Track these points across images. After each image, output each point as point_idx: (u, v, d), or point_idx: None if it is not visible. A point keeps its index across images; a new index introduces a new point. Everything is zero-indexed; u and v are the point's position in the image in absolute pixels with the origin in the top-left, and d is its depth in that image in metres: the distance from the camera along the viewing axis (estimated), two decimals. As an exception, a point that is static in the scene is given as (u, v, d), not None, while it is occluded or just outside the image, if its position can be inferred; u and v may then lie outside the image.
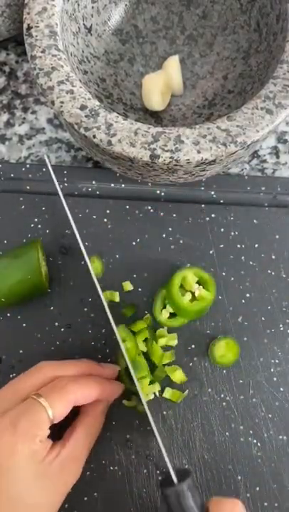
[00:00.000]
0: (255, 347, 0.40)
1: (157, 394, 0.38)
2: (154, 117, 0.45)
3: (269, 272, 0.42)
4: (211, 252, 0.42)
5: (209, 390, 0.39)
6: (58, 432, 0.33)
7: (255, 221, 0.43)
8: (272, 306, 0.41)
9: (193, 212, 0.43)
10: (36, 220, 0.43)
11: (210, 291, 0.38)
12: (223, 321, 0.40)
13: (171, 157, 0.34)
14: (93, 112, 0.35)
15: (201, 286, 0.38)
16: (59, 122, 0.47)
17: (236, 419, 0.38)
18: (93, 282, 0.37)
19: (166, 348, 0.39)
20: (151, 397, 0.38)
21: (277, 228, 0.43)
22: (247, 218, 0.43)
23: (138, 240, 0.42)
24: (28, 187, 0.44)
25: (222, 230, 0.43)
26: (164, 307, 0.40)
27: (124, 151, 0.34)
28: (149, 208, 0.43)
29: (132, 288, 0.41)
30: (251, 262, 0.42)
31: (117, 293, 0.40)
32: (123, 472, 0.37)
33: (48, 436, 0.31)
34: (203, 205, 0.43)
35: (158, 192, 0.44)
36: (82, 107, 0.35)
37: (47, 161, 0.39)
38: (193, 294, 0.38)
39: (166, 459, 0.31)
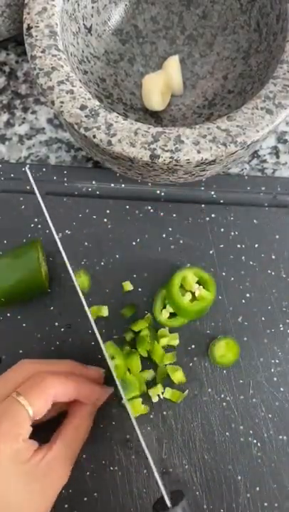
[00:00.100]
0: (255, 347, 0.40)
1: (161, 396, 0.38)
2: (154, 117, 0.45)
3: (269, 271, 0.42)
4: (211, 252, 0.42)
5: (209, 390, 0.39)
6: (46, 436, 0.33)
7: (255, 221, 0.43)
8: (272, 306, 0.41)
9: (193, 212, 0.43)
10: (36, 220, 0.43)
11: (210, 291, 0.38)
12: (223, 321, 0.40)
13: (171, 157, 0.34)
14: (93, 112, 0.35)
15: (201, 286, 0.38)
16: (59, 122, 0.47)
17: (236, 419, 0.38)
18: (80, 298, 0.35)
19: (168, 349, 0.39)
20: (156, 399, 0.38)
21: (277, 228, 0.43)
22: (247, 218, 0.43)
23: (138, 240, 0.42)
24: (28, 187, 0.44)
25: (222, 230, 0.43)
26: (164, 307, 0.40)
27: (124, 151, 0.34)
28: (149, 207, 0.43)
29: (132, 288, 0.41)
30: (251, 262, 0.42)
31: (106, 307, 0.40)
32: (123, 472, 0.37)
33: (34, 439, 0.31)
34: (203, 205, 0.43)
35: (158, 192, 0.44)
36: (82, 107, 0.35)
37: (28, 173, 0.38)
38: (193, 294, 0.38)
39: (160, 483, 0.31)
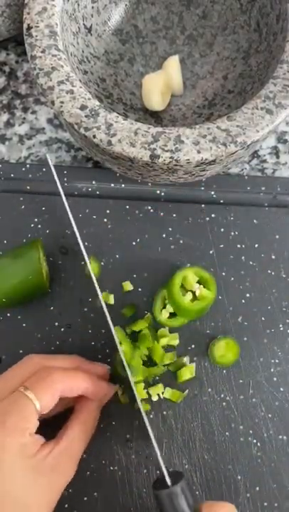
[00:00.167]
0: (255, 347, 0.40)
1: (161, 395, 0.38)
2: (154, 117, 0.45)
3: (269, 271, 0.42)
4: (211, 252, 0.42)
5: (209, 390, 0.39)
6: (52, 432, 0.33)
7: (255, 221, 0.43)
8: (272, 306, 0.41)
9: (193, 212, 0.43)
10: (36, 220, 0.43)
11: (211, 291, 0.38)
12: (223, 321, 0.40)
13: (171, 157, 0.34)
14: (93, 112, 0.35)
15: (201, 286, 0.38)
16: (59, 122, 0.47)
17: (236, 419, 0.38)
18: (92, 282, 0.36)
19: (168, 349, 0.39)
20: (156, 398, 0.38)
21: (277, 228, 0.43)
22: (247, 218, 0.43)
23: (138, 240, 0.42)
24: (28, 187, 0.44)
25: (222, 230, 0.43)
26: (164, 307, 0.40)
27: (124, 151, 0.34)
28: (149, 208, 0.43)
29: (132, 288, 0.41)
30: (251, 262, 0.42)
31: (112, 295, 0.41)
32: (123, 472, 0.37)
33: (41, 434, 0.31)
34: (203, 205, 0.43)
35: (158, 192, 0.44)
36: (82, 107, 0.35)
37: (49, 160, 0.39)
38: (194, 293, 0.38)
39: (160, 461, 0.31)
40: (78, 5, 0.42)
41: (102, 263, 0.42)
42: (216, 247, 0.42)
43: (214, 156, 0.34)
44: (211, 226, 0.43)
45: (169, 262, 0.42)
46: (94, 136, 0.34)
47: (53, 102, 0.35)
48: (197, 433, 0.38)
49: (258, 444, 0.38)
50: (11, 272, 0.38)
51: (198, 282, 0.39)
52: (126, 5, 0.46)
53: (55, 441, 0.32)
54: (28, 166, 0.44)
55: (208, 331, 0.40)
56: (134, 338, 0.39)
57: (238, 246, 0.42)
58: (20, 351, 0.39)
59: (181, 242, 0.42)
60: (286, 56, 0.37)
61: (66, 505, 0.36)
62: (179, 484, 0.29)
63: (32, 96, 0.48)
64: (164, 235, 0.42)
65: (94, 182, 0.44)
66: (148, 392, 0.38)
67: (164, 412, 0.38)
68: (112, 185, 0.44)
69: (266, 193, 0.44)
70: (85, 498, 0.36)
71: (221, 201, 0.44)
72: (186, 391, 0.38)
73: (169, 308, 0.39)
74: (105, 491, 0.37)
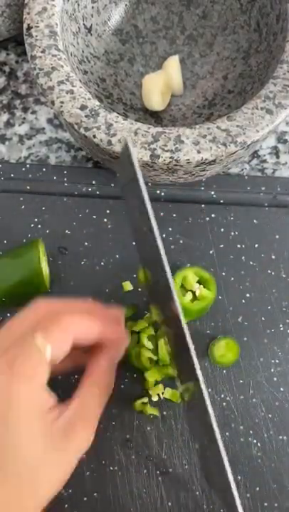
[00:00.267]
0: (255, 347, 0.40)
1: (161, 395, 0.38)
2: (154, 117, 0.45)
3: (269, 271, 0.42)
4: (211, 252, 0.42)
5: (209, 390, 0.39)
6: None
7: (255, 221, 0.43)
8: (272, 306, 0.41)
9: (193, 212, 0.43)
10: (36, 220, 0.43)
11: (211, 290, 0.38)
12: (223, 321, 0.40)
13: (171, 157, 0.34)
14: (93, 112, 0.35)
15: (201, 286, 0.38)
16: (59, 122, 0.47)
17: (236, 419, 0.38)
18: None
19: (166, 348, 0.39)
20: (156, 398, 0.38)
21: (277, 228, 0.43)
22: (247, 218, 0.43)
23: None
24: (28, 187, 0.44)
25: (222, 230, 0.43)
26: None
27: (124, 151, 0.34)
28: (149, 208, 0.43)
29: (132, 288, 0.41)
30: (251, 262, 0.42)
31: (129, 282, 0.41)
32: (123, 472, 0.37)
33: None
34: (203, 205, 0.43)
35: (158, 192, 0.44)
36: (82, 107, 0.35)
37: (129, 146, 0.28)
38: (194, 293, 0.38)
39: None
40: (78, 5, 0.42)
41: (102, 263, 0.42)
42: (216, 247, 0.42)
43: (214, 156, 0.34)
44: (211, 226, 0.43)
45: (169, 262, 0.42)
46: (94, 136, 0.34)
47: (53, 102, 0.35)
48: (197, 433, 0.38)
49: (258, 444, 0.38)
50: (11, 272, 0.38)
51: (198, 282, 0.39)
52: (126, 5, 0.46)
53: (65, 405, 0.28)
54: (28, 166, 0.44)
55: (208, 331, 0.40)
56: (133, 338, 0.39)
57: (238, 246, 0.42)
58: (20, 351, 0.39)
59: (181, 242, 0.42)
60: (286, 56, 0.37)
61: (66, 506, 0.36)
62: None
63: (32, 96, 0.48)
64: (164, 235, 0.42)
65: (94, 182, 0.44)
66: (148, 393, 0.38)
67: (164, 412, 0.38)
68: (112, 185, 0.44)
69: (266, 193, 0.44)
70: (85, 498, 0.36)
71: (221, 201, 0.44)
72: (186, 391, 0.38)
73: None
74: (105, 491, 0.37)
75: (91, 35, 0.45)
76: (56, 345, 0.27)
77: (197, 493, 0.36)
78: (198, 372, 0.27)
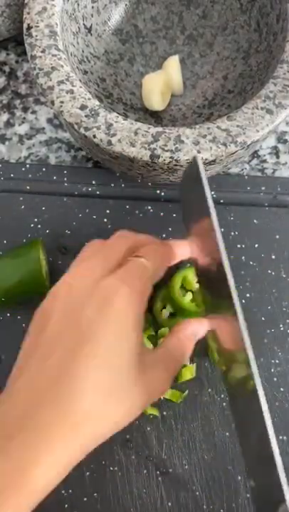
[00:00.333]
0: (255, 347, 0.40)
1: (161, 396, 0.38)
2: (154, 117, 0.45)
3: (269, 271, 0.42)
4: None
5: (209, 390, 0.39)
6: None
7: (255, 221, 0.43)
8: (272, 306, 0.41)
9: (193, 212, 0.43)
10: (36, 220, 0.43)
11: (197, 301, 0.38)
12: (223, 321, 0.40)
13: (171, 157, 0.34)
14: (93, 112, 0.35)
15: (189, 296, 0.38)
16: (59, 122, 0.47)
17: (236, 419, 0.38)
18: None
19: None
20: None
21: (277, 228, 0.43)
22: (247, 218, 0.43)
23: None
24: (28, 187, 0.44)
25: (222, 230, 0.43)
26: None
27: (124, 151, 0.34)
28: (149, 207, 0.43)
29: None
30: (251, 262, 0.42)
31: None
32: (123, 472, 0.37)
33: None
34: (203, 205, 0.43)
35: (158, 192, 0.44)
36: (82, 107, 0.35)
37: (199, 162, 0.29)
38: (194, 293, 0.38)
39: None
40: (78, 5, 0.42)
41: (102, 263, 0.42)
42: (216, 247, 0.42)
43: (214, 156, 0.34)
44: (211, 226, 0.43)
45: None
46: (94, 136, 0.34)
47: (52, 102, 0.35)
48: (197, 433, 0.38)
49: (258, 444, 0.38)
50: (11, 272, 0.38)
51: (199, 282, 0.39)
52: (126, 5, 0.46)
53: (151, 349, 0.30)
54: (28, 166, 0.44)
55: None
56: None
57: (238, 246, 0.42)
58: (20, 351, 0.39)
59: (181, 242, 0.42)
60: (286, 56, 0.37)
61: (66, 506, 0.36)
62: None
63: (32, 96, 0.48)
64: (164, 235, 0.42)
65: (94, 182, 0.44)
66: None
67: (164, 412, 0.38)
68: (112, 185, 0.44)
69: (266, 193, 0.44)
70: (85, 499, 0.36)
71: (221, 201, 0.43)
72: (186, 391, 0.38)
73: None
74: (105, 491, 0.36)
75: (91, 35, 0.45)
76: (157, 269, 0.30)
77: (197, 493, 0.36)
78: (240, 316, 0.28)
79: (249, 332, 0.40)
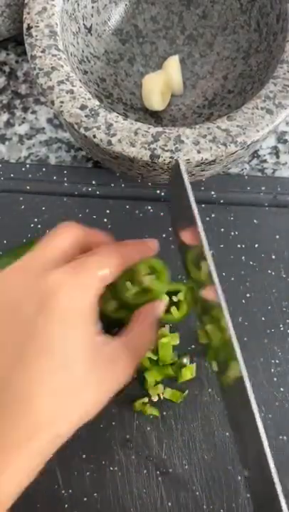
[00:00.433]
0: (255, 347, 0.40)
1: (161, 396, 0.38)
2: (154, 117, 0.45)
3: (269, 271, 0.42)
4: (211, 252, 0.42)
5: (209, 390, 0.39)
6: None
7: (255, 221, 0.43)
8: (272, 306, 0.41)
9: (193, 212, 0.43)
10: (36, 220, 0.43)
11: (162, 283, 0.34)
12: (223, 321, 0.40)
13: (171, 157, 0.34)
14: (93, 112, 0.35)
15: (153, 277, 0.34)
16: (59, 122, 0.47)
17: (236, 419, 0.38)
18: None
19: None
20: (156, 398, 0.38)
21: (277, 228, 0.43)
22: (247, 218, 0.43)
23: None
24: (28, 187, 0.44)
25: (222, 230, 0.43)
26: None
27: (124, 151, 0.34)
28: (149, 207, 0.43)
29: (132, 288, 0.41)
30: (251, 262, 0.42)
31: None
32: (123, 472, 0.37)
33: None
34: (203, 205, 0.43)
35: (158, 192, 0.44)
36: (82, 107, 0.35)
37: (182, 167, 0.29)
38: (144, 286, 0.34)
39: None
40: (78, 5, 0.42)
41: (102, 263, 0.42)
42: (216, 247, 0.42)
43: (214, 156, 0.34)
44: (211, 226, 0.43)
45: (169, 262, 0.42)
46: (94, 136, 0.34)
47: (52, 102, 0.35)
48: (197, 433, 0.38)
49: (258, 444, 0.38)
50: (11, 272, 0.38)
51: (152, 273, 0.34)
52: (126, 5, 0.46)
53: (112, 337, 0.29)
54: (28, 166, 0.44)
55: (208, 331, 0.40)
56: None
57: (238, 246, 0.42)
58: (20, 351, 0.39)
59: (181, 242, 0.42)
60: (286, 56, 0.37)
61: (66, 506, 0.36)
62: None
63: (32, 96, 0.48)
64: (164, 235, 0.42)
65: (94, 182, 0.44)
66: (148, 393, 0.38)
67: (164, 413, 0.38)
68: (112, 185, 0.44)
69: (266, 193, 0.44)
70: (85, 499, 0.36)
71: (221, 201, 0.44)
72: (186, 391, 0.38)
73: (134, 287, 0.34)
74: (105, 491, 0.36)
75: (91, 35, 0.45)
76: (112, 267, 0.28)
77: (197, 493, 0.36)
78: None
79: (249, 332, 0.40)
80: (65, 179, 0.44)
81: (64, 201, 0.43)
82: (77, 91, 0.35)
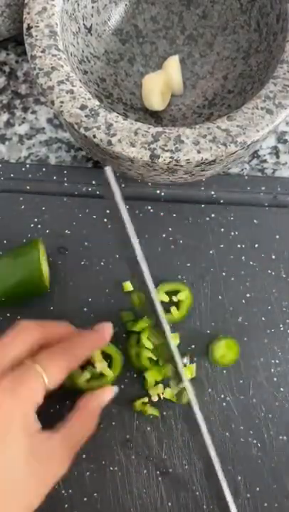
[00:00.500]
0: (255, 347, 0.40)
1: (161, 396, 0.38)
2: (154, 117, 0.45)
3: (269, 271, 0.42)
4: (211, 252, 0.42)
5: (209, 390, 0.39)
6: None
7: (255, 221, 0.43)
8: (272, 306, 0.41)
9: (193, 212, 0.43)
10: (36, 220, 0.43)
11: (115, 369, 0.37)
12: (223, 321, 0.40)
13: (171, 157, 0.34)
14: (93, 112, 0.35)
15: (105, 364, 0.37)
16: (59, 122, 0.47)
17: (236, 419, 0.38)
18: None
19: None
20: (156, 398, 0.38)
21: (277, 228, 0.43)
22: (247, 218, 0.43)
23: (138, 240, 0.42)
24: (28, 187, 0.44)
25: (222, 230, 0.43)
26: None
27: (124, 150, 0.34)
28: (149, 207, 0.43)
29: (132, 288, 0.41)
30: (251, 262, 0.42)
31: (129, 282, 0.41)
32: (123, 472, 0.37)
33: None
34: (203, 205, 0.43)
35: (158, 192, 0.44)
36: (82, 107, 0.35)
37: (109, 173, 0.30)
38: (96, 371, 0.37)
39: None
40: (78, 5, 0.42)
41: (102, 263, 0.42)
42: (216, 247, 0.42)
43: (214, 156, 0.34)
44: (211, 226, 0.43)
45: (169, 263, 0.42)
46: (94, 136, 0.34)
47: (52, 102, 0.35)
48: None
49: (258, 444, 0.38)
50: (11, 272, 0.38)
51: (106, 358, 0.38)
52: (126, 5, 0.46)
53: (52, 431, 0.31)
54: (28, 166, 0.44)
55: (208, 331, 0.40)
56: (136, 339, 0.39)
57: (238, 246, 0.42)
58: (20, 351, 0.39)
59: (181, 242, 0.42)
60: (286, 56, 0.37)
61: (66, 506, 0.36)
62: None
63: (32, 96, 0.48)
64: (164, 235, 0.42)
65: (94, 182, 0.44)
66: (148, 393, 0.38)
67: (164, 413, 0.38)
68: (112, 185, 0.44)
69: (266, 193, 0.44)
70: (85, 499, 0.36)
71: (221, 201, 0.44)
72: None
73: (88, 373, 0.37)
74: (105, 491, 0.37)
75: (91, 35, 0.45)
76: (53, 377, 0.30)
77: (197, 493, 0.36)
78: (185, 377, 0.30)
79: (249, 332, 0.40)
80: (65, 179, 0.44)
81: (64, 201, 0.43)
82: (77, 91, 0.35)
